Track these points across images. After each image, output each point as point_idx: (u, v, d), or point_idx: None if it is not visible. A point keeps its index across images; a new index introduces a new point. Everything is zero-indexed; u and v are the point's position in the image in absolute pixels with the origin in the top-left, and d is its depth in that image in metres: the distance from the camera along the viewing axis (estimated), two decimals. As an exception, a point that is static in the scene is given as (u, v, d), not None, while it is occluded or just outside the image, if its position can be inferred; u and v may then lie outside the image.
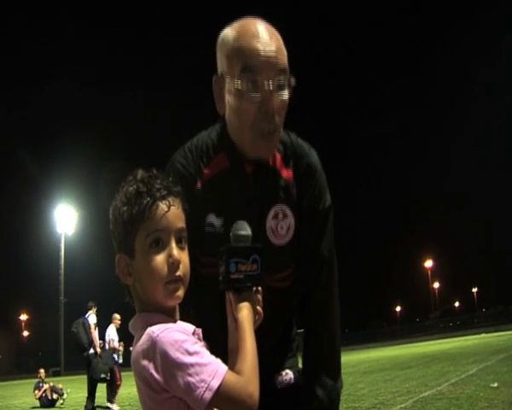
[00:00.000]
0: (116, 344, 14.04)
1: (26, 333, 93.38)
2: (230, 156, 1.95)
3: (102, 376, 13.06)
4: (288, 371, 2.10)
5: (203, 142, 2.01)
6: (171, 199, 1.48)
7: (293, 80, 1.89)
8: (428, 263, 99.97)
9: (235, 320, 1.51)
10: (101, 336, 14.12)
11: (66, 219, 66.12)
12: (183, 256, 1.48)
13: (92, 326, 13.29)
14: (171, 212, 1.47)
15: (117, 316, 14.07)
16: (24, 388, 24.40)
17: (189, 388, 1.32)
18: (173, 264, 1.44)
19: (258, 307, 1.56)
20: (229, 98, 1.88)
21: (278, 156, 1.99)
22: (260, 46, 1.83)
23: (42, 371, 17.25)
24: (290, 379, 2.09)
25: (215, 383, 1.33)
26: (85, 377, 13.60)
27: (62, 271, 63.74)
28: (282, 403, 2.05)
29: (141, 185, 1.47)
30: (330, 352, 2.03)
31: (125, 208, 1.45)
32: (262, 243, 1.84)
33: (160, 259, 1.44)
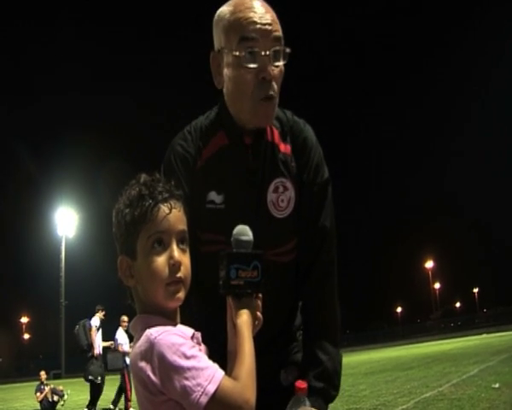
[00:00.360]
0: (126, 348, 13.70)
1: (26, 336, 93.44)
2: (229, 132, 2.02)
3: (90, 378, 13.07)
4: (293, 367, 2.10)
5: (202, 123, 2.08)
6: (172, 202, 1.50)
7: (288, 49, 1.96)
8: (429, 264, 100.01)
9: (235, 326, 1.51)
10: (111, 338, 14.13)
11: (66, 221, 66.18)
12: (184, 258, 1.49)
13: (93, 329, 13.29)
14: (173, 214, 1.49)
15: (125, 318, 13.89)
16: (25, 390, 24.42)
17: (186, 391, 1.33)
18: (174, 265, 1.46)
19: (258, 313, 1.57)
20: (227, 71, 1.95)
21: (276, 132, 2.05)
22: (256, 17, 1.91)
23: (43, 373, 17.25)
24: (295, 377, 2.07)
25: (211, 388, 1.33)
26: (86, 379, 13.60)
27: (63, 273, 63.77)
28: (288, 401, 2.05)
29: (143, 188, 1.49)
30: (331, 319, 2.05)
31: (127, 211, 1.48)
32: (264, 215, 1.94)
33: (161, 260, 1.45)
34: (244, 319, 1.51)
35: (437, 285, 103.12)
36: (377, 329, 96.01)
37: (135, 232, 1.46)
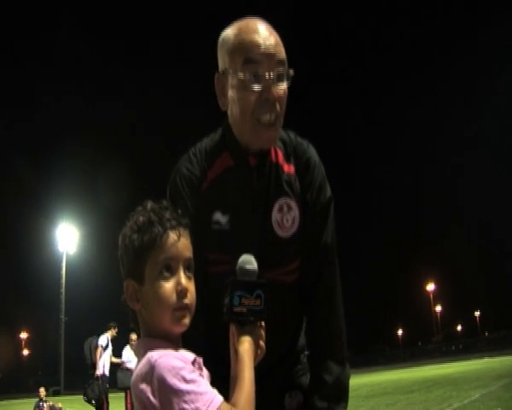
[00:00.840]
0: (131, 366, 13.23)
1: (26, 351, 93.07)
2: (234, 153, 2.04)
3: (85, 399, 13.00)
4: (297, 391, 2.11)
5: (206, 145, 2.11)
6: (181, 229, 1.53)
7: (291, 71, 2.00)
8: (430, 286, 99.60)
9: (236, 353, 1.53)
10: (118, 355, 14.07)
11: (67, 238, 66.25)
12: (190, 285, 1.52)
13: (99, 348, 13.20)
14: (181, 241, 1.52)
15: (133, 337, 13.66)
16: (23, 407, 24.28)
17: None
18: (181, 292, 1.49)
19: (261, 342, 1.58)
20: (231, 92, 1.99)
21: (280, 153, 2.08)
22: (260, 40, 1.95)
23: (42, 389, 17.24)
24: (299, 402, 2.10)
25: None
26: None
27: (63, 289, 63.75)
28: None
29: (152, 215, 1.53)
30: (336, 337, 2.06)
31: (135, 236, 1.51)
32: (269, 235, 1.97)
33: (168, 286, 1.48)
34: (246, 346, 1.53)
35: (438, 308, 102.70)
36: (378, 351, 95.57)
37: (143, 258, 1.49)
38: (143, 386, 1.38)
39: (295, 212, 2.04)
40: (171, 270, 1.49)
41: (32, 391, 35.33)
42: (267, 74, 1.93)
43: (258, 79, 1.93)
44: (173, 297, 1.48)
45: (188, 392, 1.35)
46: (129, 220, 1.56)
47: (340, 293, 2.10)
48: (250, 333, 1.55)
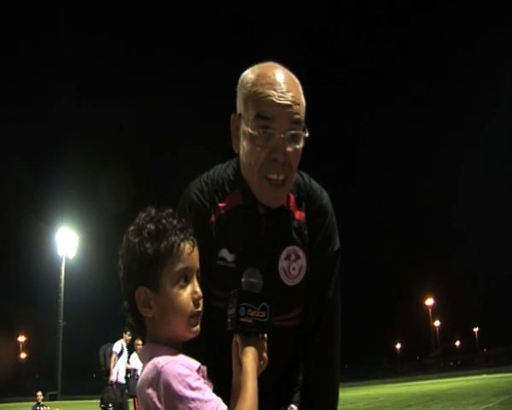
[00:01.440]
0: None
1: (23, 355, 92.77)
2: (245, 194, 1.99)
3: (102, 406, 12.99)
4: (293, 405, 2.13)
5: (219, 175, 2.05)
6: (193, 239, 1.57)
7: (306, 134, 1.91)
8: (429, 301, 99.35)
9: (240, 363, 1.56)
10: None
11: (67, 242, 66.18)
12: (201, 292, 1.57)
13: (113, 355, 13.20)
14: (194, 252, 1.56)
15: (139, 342, 13.58)
16: (20, 410, 24.21)
17: None
18: (197, 300, 1.54)
19: (264, 354, 1.60)
20: (243, 140, 1.93)
21: (292, 198, 2.03)
22: (276, 96, 1.86)
23: (39, 393, 17.18)
24: None
25: None
26: (83, 402, 13.50)
27: (62, 294, 63.59)
28: None
29: (164, 222, 1.55)
30: (330, 391, 2.09)
31: (148, 245, 1.52)
32: (274, 282, 1.92)
33: (186, 294, 1.52)
34: (250, 357, 1.55)
35: (437, 323, 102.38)
36: (376, 364, 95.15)
37: (158, 265, 1.51)
38: (150, 391, 1.41)
39: (303, 261, 2.02)
40: (187, 279, 1.53)
41: (28, 395, 35.17)
42: (278, 133, 1.86)
43: (269, 136, 1.86)
44: (190, 305, 1.52)
45: (193, 399, 1.38)
46: (134, 227, 1.57)
47: (337, 345, 2.10)
48: (254, 344, 1.57)
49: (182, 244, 1.53)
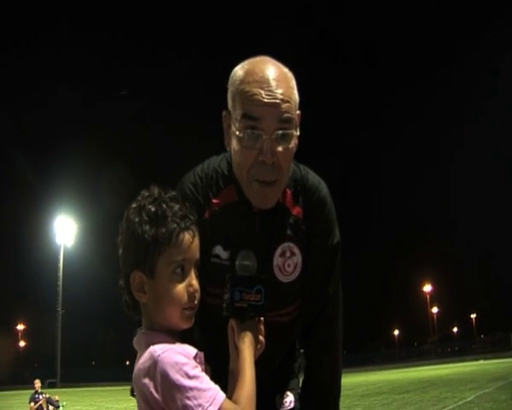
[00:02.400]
0: None
1: (22, 343, 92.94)
2: (239, 191, 1.93)
3: (135, 394, 12.99)
4: (288, 393, 2.13)
5: (213, 169, 1.99)
6: (194, 228, 1.53)
7: (297, 132, 1.84)
8: (427, 287, 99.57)
9: (236, 348, 1.54)
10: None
11: (65, 230, 66.24)
12: (198, 285, 1.52)
13: None
14: (194, 242, 1.52)
15: None
16: (19, 398, 24.25)
17: None
18: (193, 293, 1.50)
19: (261, 337, 1.59)
20: (232, 139, 1.86)
21: (289, 193, 1.97)
22: (263, 93, 1.76)
23: (37, 381, 17.13)
24: (290, 402, 2.12)
25: None
26: (82, 390, 13.52)
27: (61, 282, 63.73)
28: None
29: (164, 206, 1.50)
30: (331, 385, 2.06)
31: (147, 227, 1.47)
32: (269, 279, 1.82)
33: (181, 286, 1.48)
34: (246, 342, 1.53)
35: (435, 309, 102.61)
36: (374, 351, 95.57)
37: (155, 252, 1.47)
38: (146, 381, 1.39)
39: (298, 258, 1.97)
40: (184, 270, 1.49)
41: (27, 383, 35.22)
42: (265, 134, 1.76)
43: (256, 137, 1.77)
44: (185, 298, 1.48)
45: (191, 388, 1.35)
46: (135, 204, 1.53)
47: (339, 340, 2.07)
48: (250, 328, 1.55)
49: (181, 234, 1.48)
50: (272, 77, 1.79)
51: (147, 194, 1.54)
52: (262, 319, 1.60)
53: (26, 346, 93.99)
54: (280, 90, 1.78)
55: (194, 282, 1.51)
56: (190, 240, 1.50)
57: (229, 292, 1.54)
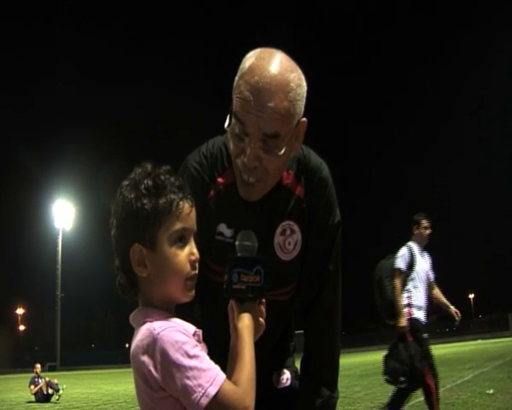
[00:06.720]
0: None
1: (22, 327, 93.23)
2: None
3: (387, 379, 12.91)
4: (285, 370, 2.17)
5: (218, 148, 1.99)
6: (191, 198, 1.52)
7: (281, 151, 1.76)
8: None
9: (236, 330, 1.52)
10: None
11: (64, 214, 66.28)
12: (198, 254, 1.51)
13: (397, 274, 12.72)
14: (193, 212, 1.51)
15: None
16: (20, 382, 24.39)
17: (186, 391, 1.33)
18: (194, 262, 1.49)
19: (261, 319, 1.57)
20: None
21: (291, 173, 1.97)
22: (252, 102, 1.69)
23: (38, 365, 17.25)
24: (287, 379, 2.15)
25: (212, 390, 1.33)
26: (81, 372, 13.54)
27: (59, 266, 63.97)
28: (279, 403, 2.12)
29: (162, 178, 1.49)
30: (329, 364, 2.08)
31: (145, 200, 1.45)
32: (270, 259, 1.80)
33: (183, 255, 1.47)
34: (246, 323, 1.51)
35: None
36: (373, 331, 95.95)
37: (156, 223, 1.44)
38: (145, 358, 1.36)
39: (298, 235, 1.98)
40: (184, 239, 1.48)
41: (27, 367, 35.41)
42: (250, 139, 1.73)
43: (241, 138, 1.75)
44: (187, 267, 1.47)
45: (191, 368, 1.33)
46: (129, 182, 1.49)
47: (338, 318, 2.07)
48: (249, 310, 1.53)
49: (181, 203, 1.47)
50: (268, 86, 1.69)
51: (140, 170, 1.51)
52: (263, 300, 1.58)
53: (25, 330, 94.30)
54: (271, 104, 1.69)
55: (195, 250, 1.49)
56: (189, 209, 1.49)
57: (228, 274, 1.52)
